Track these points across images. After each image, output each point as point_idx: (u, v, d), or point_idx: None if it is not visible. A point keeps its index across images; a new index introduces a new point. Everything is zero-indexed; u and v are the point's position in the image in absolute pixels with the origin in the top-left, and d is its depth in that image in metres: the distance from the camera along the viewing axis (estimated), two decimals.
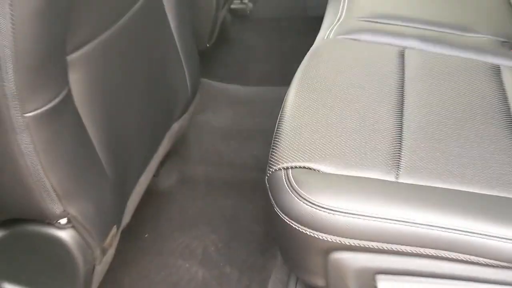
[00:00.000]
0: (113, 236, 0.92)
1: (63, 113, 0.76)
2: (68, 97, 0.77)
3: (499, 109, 0.91)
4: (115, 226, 0.92)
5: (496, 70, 1.02)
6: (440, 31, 1.12)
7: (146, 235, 1.36)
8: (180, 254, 1.31)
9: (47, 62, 0.72)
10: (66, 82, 0.77)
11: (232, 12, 2.30)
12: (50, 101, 0.73)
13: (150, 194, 1.46)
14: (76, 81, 0.80)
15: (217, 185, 1.50)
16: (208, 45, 1.75)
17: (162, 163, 1.49)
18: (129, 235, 1.29)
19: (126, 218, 1.02)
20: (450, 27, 1.14)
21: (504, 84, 0.98)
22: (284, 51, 2.11)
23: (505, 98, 0.94)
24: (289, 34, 2.20)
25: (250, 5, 2.30)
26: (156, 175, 1.48)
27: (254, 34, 2.26)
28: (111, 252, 0.95)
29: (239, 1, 2.33)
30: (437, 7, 1.22)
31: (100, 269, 0.93)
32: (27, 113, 0.70)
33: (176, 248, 1.32)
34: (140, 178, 1.08)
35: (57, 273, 0.88)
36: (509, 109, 0.91)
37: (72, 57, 0.79)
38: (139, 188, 1.08)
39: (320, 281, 0.79)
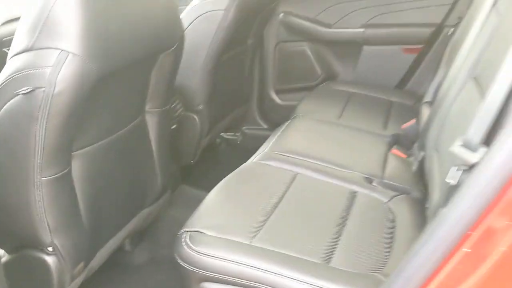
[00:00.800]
0: (80, 269, 1.40)
1: (63, 182, 1.30)
2: (68, 174, 1.31)
3: (339, 215, 1.40)
4: (83, 262, 1.40)
5: (353, 195, 1.53)
6: (324, 165, 1.65)
7: None
8: None
9: (60, 153, 1.27)
10: (69, 164, 1.32)
11: (225, 140, 2.94)
12: (56, 174, 1.26)
13: (125, 266, 1.95)
14: (77, 165, 1.34)
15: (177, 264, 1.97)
16: (192, 162, 2.33)
17: (136, 244, 1.99)
18: None
19: (94, 264, 1.49)
20: (332, 163, 1.67)
21: (354, 203, 1.48)
22: None
23: (348, 210, 1.44)
24: None
25: (240, 137, 2.95)
26: (131, 251, 1.98)
27: (240, 159, 2.84)
28: (77, 281, 1.42)
29: (232, 134, 2.99)
30: (328, 149, 1.77)
31: None
32: (43, 177, 1.24)
33: None
34: (109, 241, 1.57)
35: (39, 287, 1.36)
36: (345, 217, 1.40)
37: (76, 153, 1.35)
38: (108, 247, 1.56)
39: None
